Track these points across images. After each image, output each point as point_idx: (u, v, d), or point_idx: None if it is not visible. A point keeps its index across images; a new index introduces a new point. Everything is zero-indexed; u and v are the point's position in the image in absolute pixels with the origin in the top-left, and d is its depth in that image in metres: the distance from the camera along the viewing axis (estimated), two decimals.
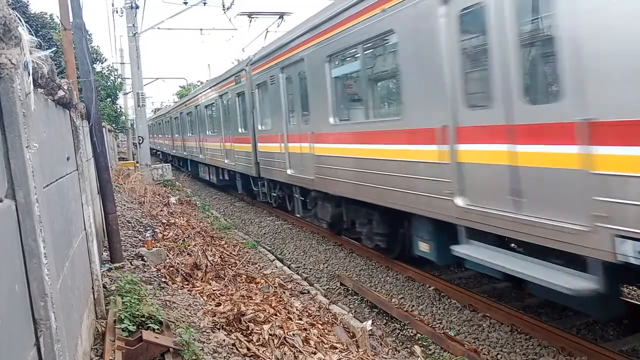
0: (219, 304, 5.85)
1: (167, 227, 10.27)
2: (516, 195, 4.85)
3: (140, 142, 19.05)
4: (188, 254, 7.98)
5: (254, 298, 6.30)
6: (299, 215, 11.97)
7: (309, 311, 6.39)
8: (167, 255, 7.56)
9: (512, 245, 5.94)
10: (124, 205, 11.74)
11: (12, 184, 1.98)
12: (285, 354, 4.73)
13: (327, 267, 9.21)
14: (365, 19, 7.14)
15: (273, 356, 4.65)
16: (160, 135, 40.89)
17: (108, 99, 27.28)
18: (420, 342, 6.09)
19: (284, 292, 7.12)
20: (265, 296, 6.50)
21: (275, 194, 13.19)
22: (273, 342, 4.89)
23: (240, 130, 14.74)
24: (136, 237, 8.74)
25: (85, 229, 4.70)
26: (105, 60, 28.51)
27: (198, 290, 6.44)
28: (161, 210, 12.37)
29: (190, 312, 5.37)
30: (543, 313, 6.21)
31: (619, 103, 3.79)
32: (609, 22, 3.82)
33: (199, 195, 20.38)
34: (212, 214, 14.89)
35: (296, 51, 9.98)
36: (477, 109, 5.38)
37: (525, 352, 5.45)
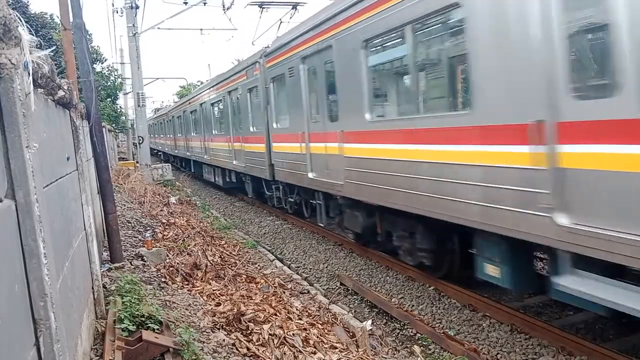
0: (218, 304, 5.85)
1: (167, 227, 10.26)
2: None
3: (140, 142, 19.06)
4: (188, 254, 7.98)
5: (253, 298, 6.30)
6: (321, 225, 10.61)
7: (309, 311, 6.39)
8: (167, 255, 7.56)
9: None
10: (124, 205, 11.75)
11: (12, 184, 1.98)
12: (285, 353, 4.73)
13: (327, 267, 9.21)
14: None
15: (273, 356, 4.65)
16: (162, 135, 39.58)
17: (108, 99, 27.31)
18: (420, 341, 6.09)
19: (284, 292, 7.12)
20: (265, 296, 6.50)
21: (292, 200, 12.03)
22: (273, 342, 4.89)
23: (251, 128, 13.65)
24: (136, 237, 8.74)
25: (85, 229, 4.70)
26: (105, 60, 28.57)
27: (198, 290, 6.44)
28: (161, 210, 12.37)
29: (190, 312, 5.37)
30: (543, 313, 6.21)
31: None
32: None
33: (199, 195, 20.38)
34: (212, 213, 14.89)
35: (322, 38, 8.71)
36: (594, 99, 4.24)
37: (525, 351, 5.45)
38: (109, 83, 27.02)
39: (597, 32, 4.38)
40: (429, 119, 6.16)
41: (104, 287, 5.31)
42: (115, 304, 4.73)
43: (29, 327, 2.02)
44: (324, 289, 8.04)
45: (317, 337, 5.39)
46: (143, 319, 4.43)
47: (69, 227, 3.63)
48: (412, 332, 6.34)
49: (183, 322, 4.80)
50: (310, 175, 9.79)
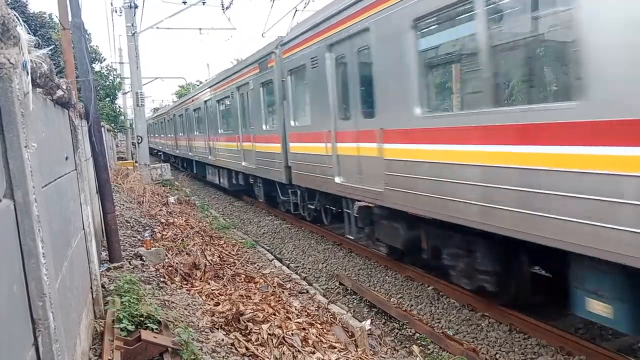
0: (217, 304, 5.85)
1: (165, 226, 10.26)
2: None
3: (139, 141, 19.07)
4: (187, 254, 7.98)
5: (252, 298, 6.30)
6: (351, 237, 9.25)
7: (308, 311, 6.39)
8: (166, 255, 7.56)
9: None
10: (123, 205, 11.74)
11: (10, 184, 1.98)
12: (284, 353, 4.73)
13: (326, 267, 9.21)
14: None
15: (272, 356, 4.65)
16: (162, 135, 37.84)
17: (107, 99, 27.27)
18: (419, 341, 6.09)
19: (283, 292, 7.12)
20: (264, 296, 6.50)
21: (312, 207, 10.92)
22: (272, 341, 4.89)
23: (264, 127, 12.51)
24: (135, 237, 8.74)
25: (83, 229, 4.70)
26: (104, 60, 28.52)
27: (197, 289, 6.44)
28: (160, 210, 12.36)
29: (189, 312, 5.37)
30: (541, 312, 6.22)
31: None
32: None
33: (198, 194, 20.38)
34: (211, 213, 14.89)
35: (355, 20, 7.50)
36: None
37: (524, 351, 5.46)
38: (107, 82, 26.99)
39: None
40: (515, 114, 4.80)
41: (103, 286, 5.31)
42: (114, 303, 4.73)
43: (28, 327, 2.02)
44: (323, 289, 8.05)
45: (316, 336, 5.40)
46: (142, 318, 4.44)
47: (68, 227, 3.62)
48: (411, 331, 6.35)
49: (182, 321, 4.80)
50: (337, 180, 8.66)
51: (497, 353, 5.55)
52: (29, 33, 2.16)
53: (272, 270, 8.64)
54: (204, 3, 18.82)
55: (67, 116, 4.64)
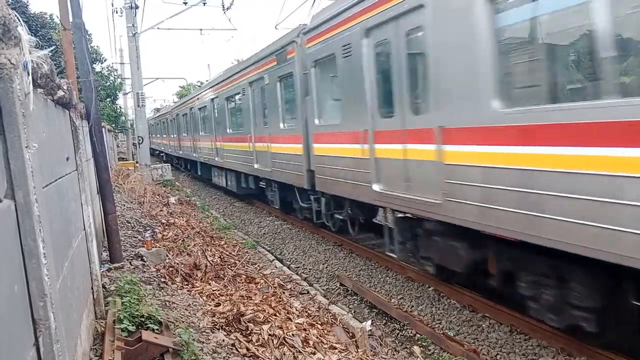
0: (218, 304, 5.85)
1: (166, 227, 10.27)
2: None
3: (140, 142, 19.09)
4: (187, 254, 7.98)
5: (253, 298, 6.30)
6: (395, 256, 7.78)
7: (309, 311, 6.39)
8: (167, 256, 7.57)
9: None
10: (124, 205, 11.75)
11: (11, 184, 1.98)
12: (284, 354, 4.73)
13: (326, 268, 9.21)
14: None
15: (272, 356, 4.65)
16: (164, 135, 36.42)
17: (108, 99, 27.32)
18: (419, 342, 6.09)
19: (284, 293, 7.12)
20: (264, 296, 6.50)
21: (340, 217, 9.67)
22: (272, 342, 4.89)
23: (282, 125, 11.29)
24: (136, 237, 8.74)
25: (84, 229, 4.70)
26: (105, 60, 28.59)
27: (197, 290, 6.44)
28: (161, 211, 12.37)
29: (189, 312, 5.37)
30: None
31: None
32: None
33: (199, 195, 20.39)
34: (212, 214, 14.89)
35: None
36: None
37: (525, 352, 5.45)
38: (108, 83, 27.03)
39: None
40: None
41: (104, 287, 5.31)
42: (114, 304, 4.74)
43: (29, 327, 2.02)
44: (323, 290, 8.04)
45: (317, 337, 5.40)
46: (142, 319, 4.44)
47: (69, 227, 3.63)
48: (411, 332, 6.34)
49: (183, 322, 4.81)
50: (375, 187, 7.42)
51: (497, 354, 5.54)
52: (29, 33, 2.17)
53: (273, 270, 8.64)
54: (204, 4, 18.88)
55: (68, 116, 4.64)
